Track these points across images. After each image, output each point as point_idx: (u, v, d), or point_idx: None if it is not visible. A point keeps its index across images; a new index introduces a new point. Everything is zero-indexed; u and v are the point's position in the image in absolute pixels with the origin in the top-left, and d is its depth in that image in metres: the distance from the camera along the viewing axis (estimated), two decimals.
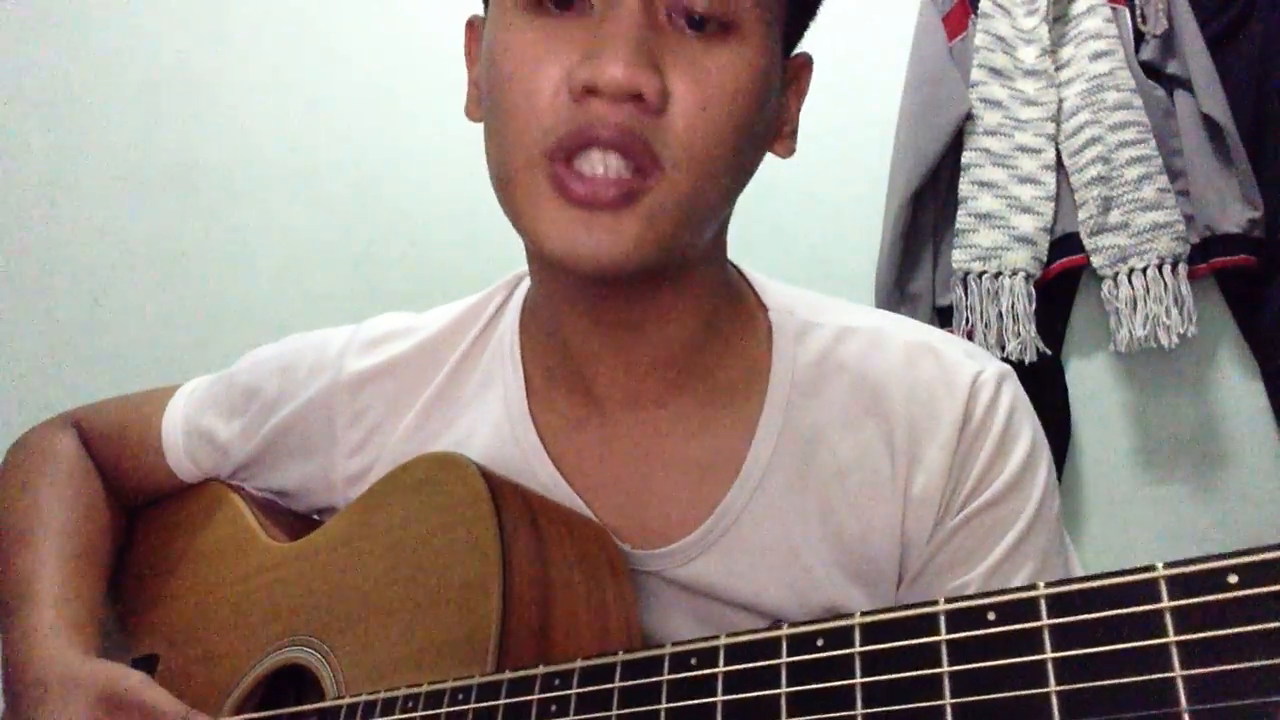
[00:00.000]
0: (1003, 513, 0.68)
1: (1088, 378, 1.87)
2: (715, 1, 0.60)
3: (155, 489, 0.90)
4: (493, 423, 0.75)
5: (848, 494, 0.69)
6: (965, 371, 0.70)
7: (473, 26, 0.71)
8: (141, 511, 0.92)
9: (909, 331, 0.73)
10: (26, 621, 0.76)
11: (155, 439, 0.88)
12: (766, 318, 0.74)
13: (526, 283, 0.79)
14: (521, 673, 0.54)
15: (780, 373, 0.72)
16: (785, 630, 0.46)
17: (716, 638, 0.48)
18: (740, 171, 0.65)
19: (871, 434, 0.69)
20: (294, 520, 0.86)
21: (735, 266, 0.76)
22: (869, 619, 0.44)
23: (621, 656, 0.51)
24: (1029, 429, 0.70)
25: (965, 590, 0.67)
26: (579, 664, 0.52)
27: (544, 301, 0.73)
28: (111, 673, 0.71)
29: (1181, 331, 1.73)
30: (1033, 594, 0.39)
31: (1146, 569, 0.37)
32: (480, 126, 0.70)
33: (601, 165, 0.59)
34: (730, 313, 0.73)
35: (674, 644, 0.49)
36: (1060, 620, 0.38)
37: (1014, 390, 0.71)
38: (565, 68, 0.59)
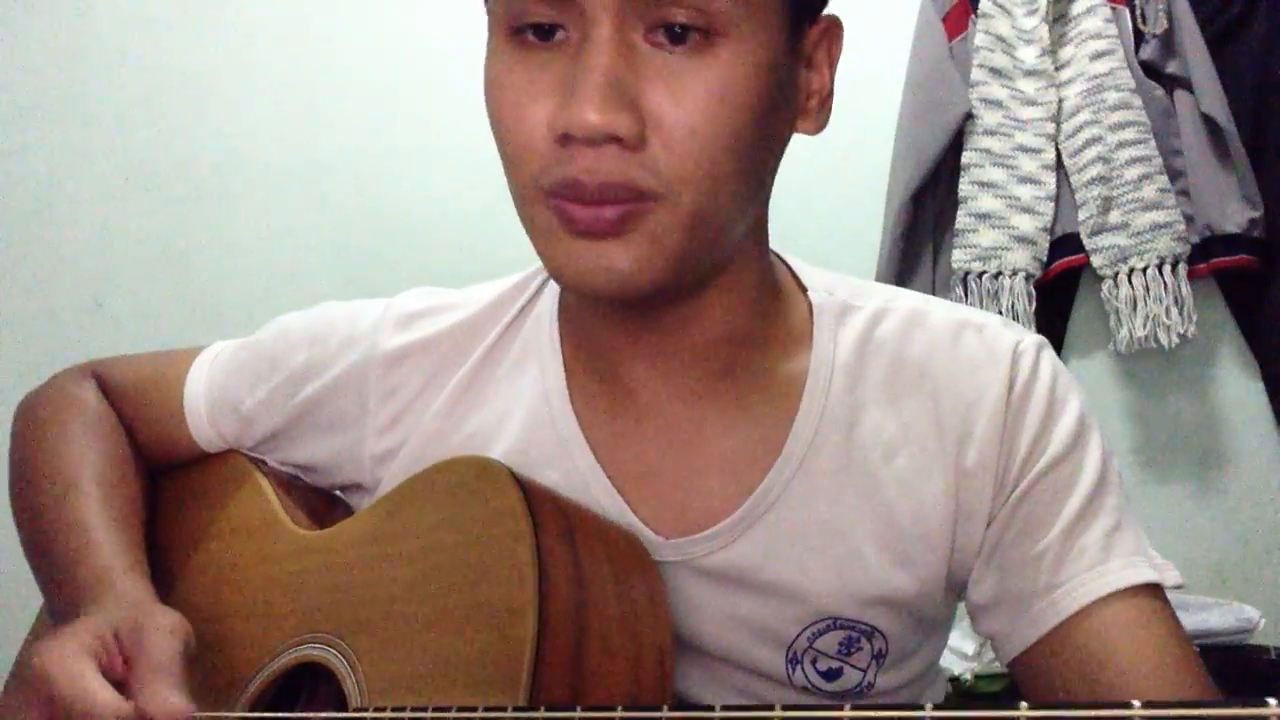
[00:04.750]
0: (1065, 473, 0.68)
1: (1088, 378, 1.87)
2: (692, 12, 0.57)
3: (174, 455, 0.88)
4: (529, 406, 0.74)
5: (896, 473, 0.69)
6: (1005, 341, 0.70)
7: None
8: (160, 480, 0.90)
9: (946, 308, 0.73)
10: (97, 565, 0.74)
11: (177, 404, 0.85)
12: (807, 299, 0.74)
13: None
14: (559, 714, 0.52)
15: (821, 354, 0.71)
16: (848, 712, 0.43)
17: (772, 707, 0.45)
18: (753, 172, 0.63)
19: (918, 411, 0.69)
20: (316, 501, 0.84)
21: (775, 253, 0.75)
22: (943, 714, 0.41)
23: (666, 714, 0.49)
24: (1075, 394, 0.70)
25: (1043, 557, 0.66)
26: (620, 714, 0.50)
27: (573, 300, 0.73)
28: (174, 618, 0.68)
29: (1181, 331, 1.73)
30: (1127, 714, 0.37)
31: (1260, 704, 0.35)
32: (484, 127, 0.69)
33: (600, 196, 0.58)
34: (770, 303, 0.72)
35: (724, 708, 0.47)
36: None
37: (1053, 357, 0.71)
38: (546, 109, 0.59)
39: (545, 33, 0.59)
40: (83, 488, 0.80)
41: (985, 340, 0.70)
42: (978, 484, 0.68)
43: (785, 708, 0.45)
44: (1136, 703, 0.36)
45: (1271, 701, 0.34)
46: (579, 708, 0.52)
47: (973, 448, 0.68)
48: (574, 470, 0.71)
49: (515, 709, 0.55)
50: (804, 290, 0.74)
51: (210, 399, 0.85)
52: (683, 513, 0.70)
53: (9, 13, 1.82)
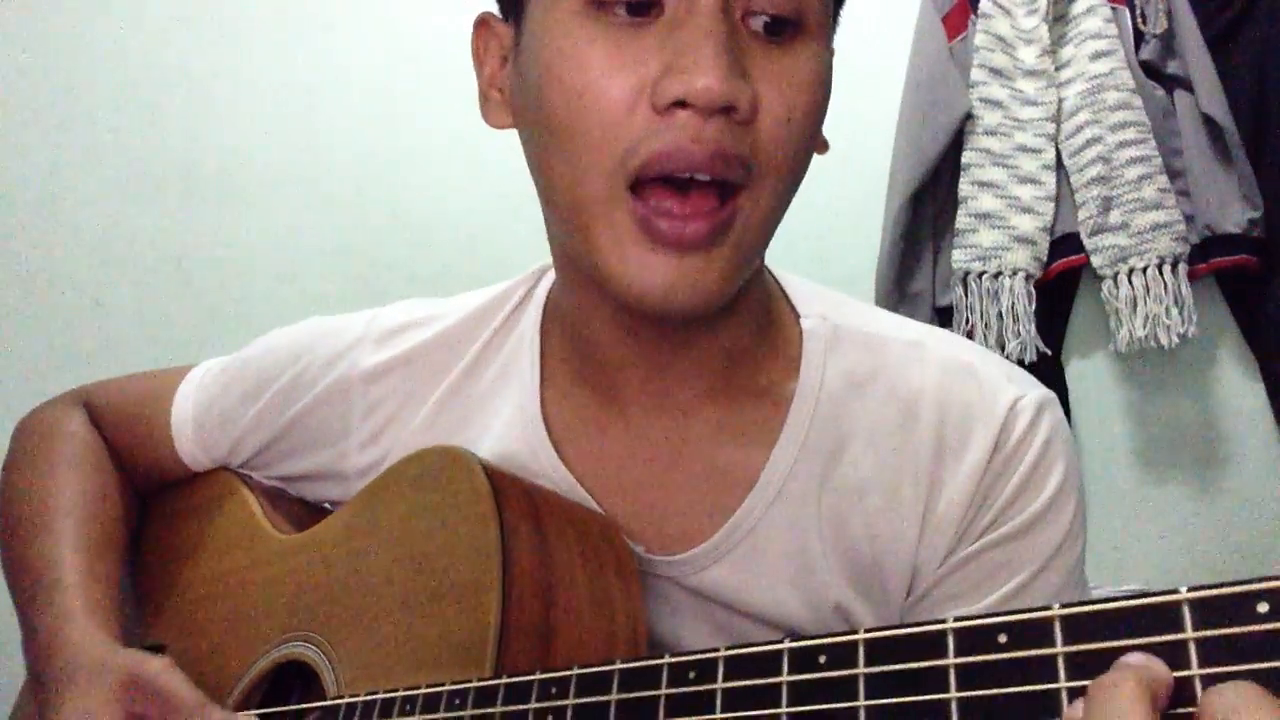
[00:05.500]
0: (1017, 551, 0.65)
1: (1088, 378, 1.88)
2: (788, 5, 0.58)
3: (165, 476, 0.89)
4: (506, 421, 0.74)
5: (864, 513, 0.67)
6: (1003, 396, 0.66)
7: (486, 25, 0.68)
8: (151, 498, 0.91)
9: (949, 347, 0.70)
10: (56, 607, 0.74)
11: (164, 427, 0.86)
12: (799, 323, 0.72)
13: (550, 276, 0.76)
14: (518, 679, 0.54)
15: (809, 381, 0.69)
16: (786, 644, 0.44)
17: (715, 650, 0.47)
18: (803, 176, 0.63)
19: (897, 452, 0.67)
20: (301, 511, 0.85)
21: (766, 268, 0.74)
22: (873, 635, 0.42)
23: (619, 665, 0.50)
24: (1062, 465, 0.66)
25: None
26: (575, 671, 0.52)
27: (573, 307, 0.71)
28: (137, 659, 0.69)
29: (1181, 331, 1.73)
30: (1046, 614, 0.37)
31: (1169, 592, 0.35)
32: (484, 128, 0.69)
33: (689, 205, 0.57)
34: (765, 320, 0.71)
35: (672, 655, 0.48)
36: (1075, 648, 0.36)
37: (1053, 420, 0.67)
38: (640, 79, 0.56)
39: (637, 8, 0.57)
40: (56, 522, 0.80)
41: (981, 390, 0.67)
42: (939, 536, 0.66)
43: (729, 648, 0.47)
44: (1056, 605, 0.38)
45: (1183, 588, 0.35)
46: (538, 671, 0.53)
47: (944, 501, 0.66)
48: (551, 487, 0.70)
49: (479, 678, 0.56)
50: (796, 314, 0.73)
51: (197, 420, 0.85)
52: (662, 531, 0.70)
53: (9, 13, 1.81)
